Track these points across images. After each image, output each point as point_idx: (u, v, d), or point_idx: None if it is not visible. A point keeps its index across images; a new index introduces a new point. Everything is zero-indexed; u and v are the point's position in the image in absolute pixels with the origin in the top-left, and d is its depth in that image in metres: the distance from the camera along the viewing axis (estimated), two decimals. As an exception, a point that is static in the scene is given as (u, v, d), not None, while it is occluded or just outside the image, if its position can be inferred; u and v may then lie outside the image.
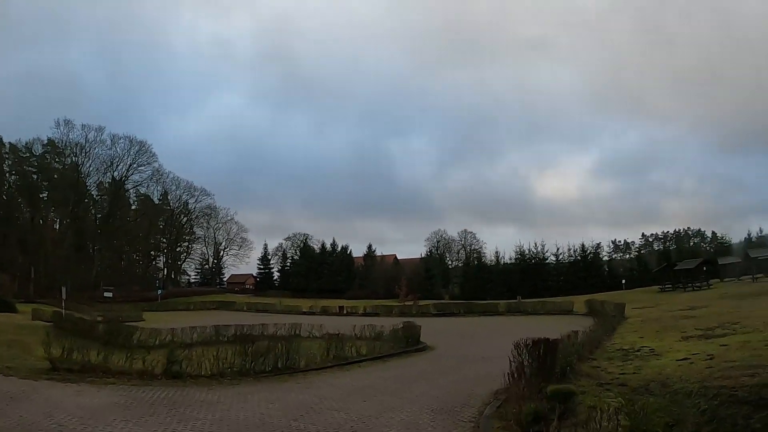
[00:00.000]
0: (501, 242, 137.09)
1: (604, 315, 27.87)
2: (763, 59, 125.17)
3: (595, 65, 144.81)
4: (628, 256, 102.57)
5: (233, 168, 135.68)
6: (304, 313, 53.76)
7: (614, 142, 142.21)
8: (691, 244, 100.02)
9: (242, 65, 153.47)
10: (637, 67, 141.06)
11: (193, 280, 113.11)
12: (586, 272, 76.07)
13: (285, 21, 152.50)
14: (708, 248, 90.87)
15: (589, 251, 79.80)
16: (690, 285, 52.68)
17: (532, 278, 76.02)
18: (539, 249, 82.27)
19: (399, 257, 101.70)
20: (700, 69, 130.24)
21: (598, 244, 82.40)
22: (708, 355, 12.50)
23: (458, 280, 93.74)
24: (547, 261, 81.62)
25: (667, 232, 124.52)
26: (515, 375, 9.48)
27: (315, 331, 22.34)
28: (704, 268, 55.11)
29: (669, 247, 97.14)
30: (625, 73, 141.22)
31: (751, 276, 50.95)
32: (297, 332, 22.99)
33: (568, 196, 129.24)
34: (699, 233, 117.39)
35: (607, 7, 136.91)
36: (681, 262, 62.20)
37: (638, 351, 15.63)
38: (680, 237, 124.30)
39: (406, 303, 55.44)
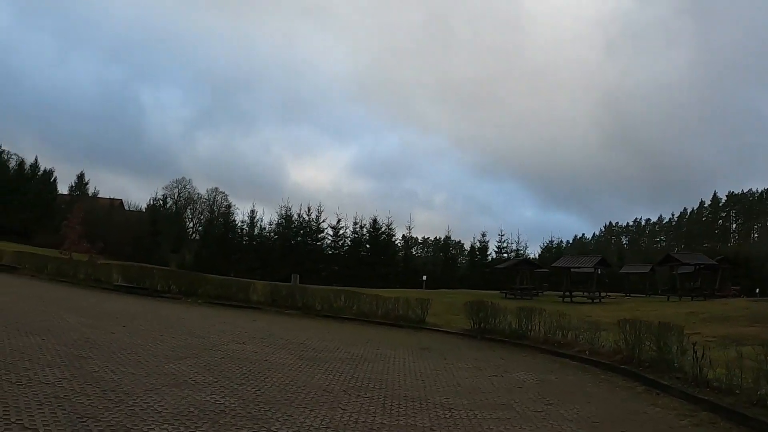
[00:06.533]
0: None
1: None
2: (537, 88, 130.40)
3: (369, 52, 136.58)
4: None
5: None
6: None
7: (374, 141, 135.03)
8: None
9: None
10: (412, 65, 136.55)
11: None
12: (377, 258, 56.30)
13: None
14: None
15: (382, 230, 59.89)
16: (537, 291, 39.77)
17: (299, 257, 55.11)
18: (313, 217, 59.47)
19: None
20: (474, 86, 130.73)
21: (390, 224, 61.23)
22: None
23: (195, 245, 67.99)
24: (323, 234, 59.59)
25: (427, 238, 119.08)
26: None
27: None
28: (598, 271, 39.39)
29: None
30: (397, 69, 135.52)
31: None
32: None
33: (321, 188, 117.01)
34: (459, 244, 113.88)
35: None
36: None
37: None
38: (439, 245, 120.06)
39: (74, 256, 29.73)
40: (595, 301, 34.78)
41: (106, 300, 18.62)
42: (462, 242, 76.83)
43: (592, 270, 38.43)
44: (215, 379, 7.39)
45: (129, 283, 23.34)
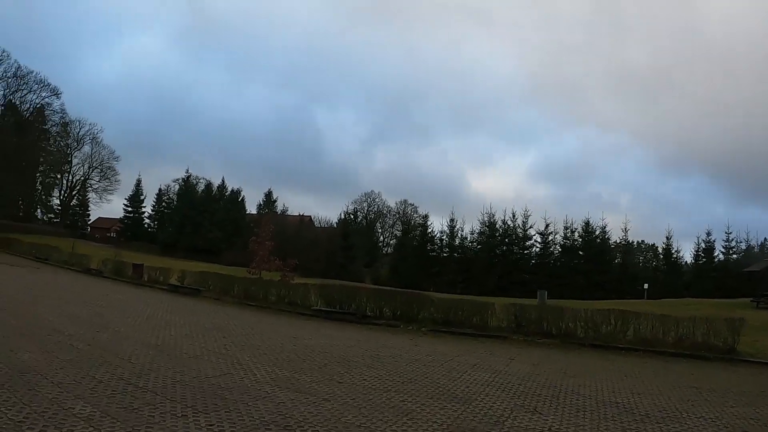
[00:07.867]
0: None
1: None
2: (718, 70, 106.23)
3: (536, 49, 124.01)
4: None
5: (149, 120, 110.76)
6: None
7: (552, 143, 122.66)
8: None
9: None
10: (582, 59, 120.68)
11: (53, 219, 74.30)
12: (592, 265, 47.96)
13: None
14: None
15: (596, 233, 51.60)
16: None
17: (502, 266, 47.96)
18: (519, 223, 53.10)
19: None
20: (650, 74, 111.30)
21: (605, 227, 52.84)
22: None
23: (389, 259, 64.68)
24: (531, 241, 52.41)
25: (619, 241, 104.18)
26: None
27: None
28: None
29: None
30: (567, 64, 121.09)
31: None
32: None
33: (502, 195, 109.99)
34: (652, 247, 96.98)
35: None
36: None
37: None
38: (630, 248, 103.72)
39: (263, 275, 26.74)
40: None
41: (304, 332, 13.95)
42: (655, 244, 65.90)
43: None
44: None
45: (329, 306, 18.48)
